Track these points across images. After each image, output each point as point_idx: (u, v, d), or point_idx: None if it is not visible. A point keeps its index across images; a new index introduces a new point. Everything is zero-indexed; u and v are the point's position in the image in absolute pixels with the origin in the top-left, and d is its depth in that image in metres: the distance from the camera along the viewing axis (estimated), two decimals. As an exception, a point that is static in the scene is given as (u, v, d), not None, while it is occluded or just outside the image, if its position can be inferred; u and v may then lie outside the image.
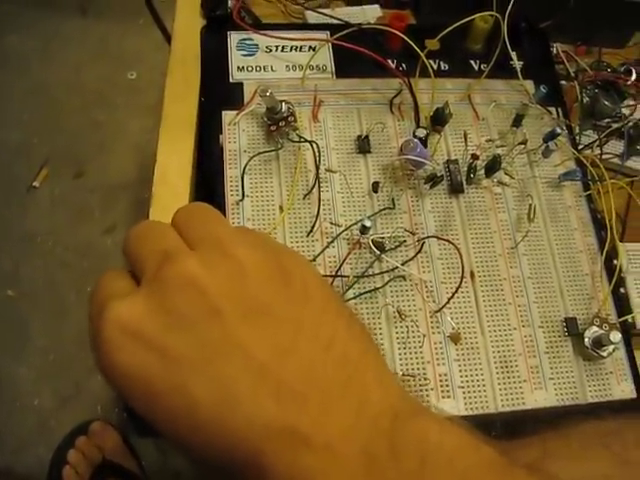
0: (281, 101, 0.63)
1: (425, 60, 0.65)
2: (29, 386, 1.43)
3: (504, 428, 0.58)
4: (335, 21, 0.75)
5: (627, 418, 0.48)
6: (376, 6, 0.80)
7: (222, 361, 0.27)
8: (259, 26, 0.72)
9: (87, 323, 0.31)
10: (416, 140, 0.61)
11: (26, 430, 1.39)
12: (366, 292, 0.59)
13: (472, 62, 0.73)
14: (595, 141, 0.76)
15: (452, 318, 0.60)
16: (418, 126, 0.65)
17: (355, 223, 0.61)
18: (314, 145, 0.62)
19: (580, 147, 0.74)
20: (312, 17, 0.77)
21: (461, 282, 0.59)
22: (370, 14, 0.79)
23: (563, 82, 0.78)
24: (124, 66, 1.81)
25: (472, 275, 0.62)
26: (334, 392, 0.28)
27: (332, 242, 0.61)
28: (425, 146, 0.63)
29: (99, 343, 0.29)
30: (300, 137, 0.63)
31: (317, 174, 0.62)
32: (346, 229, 0.61)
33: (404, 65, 0.71)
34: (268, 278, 0.30)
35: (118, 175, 1.65)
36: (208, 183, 0.63)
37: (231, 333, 0.28)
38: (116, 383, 0.29)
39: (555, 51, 0.80)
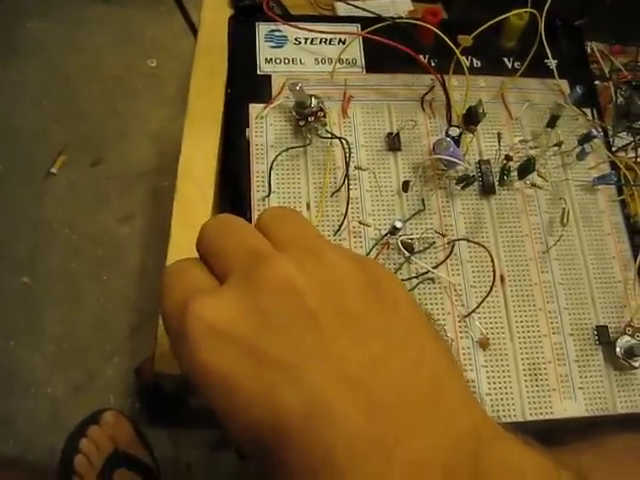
0: (310, 95, 0.61)
1: (460, 57, 0.63)
2: (43, 374, 1.43)
3: (532, 438, 0.56)
4: (366, 14, 0.73)
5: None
6: (407, -1, 0.78)
7: (316, 369, 0.26)
8: (288, 17, 0.71)
9: (155, 302, 0.30)
10: (449, 139, 0.59)
11: (39, 418, 1.39)
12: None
13: (505, 59, 0.71)
14: (630, 143, 0.74)
15: (481, 323, 0.59)
16: (451, 125, 0.63)
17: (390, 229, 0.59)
18: (344, 142, 0.60)
19: (614, 149, 0.72)
20: (342, 9, 0.76)
21: (492, 287, 0.57)
22: (401, 7, 0.77)
23: (597, 82, 0.76)
24: (145, 54, 1.80)
25: (502, 279, 0.61)
26: (423, 410, 0.27)
27: (361, 242, 0.59)
28: (458, 146, 0.61)
29: (183, 339, 0.28)
30: (330, 133, 0.61)
31: (347, 172, 0.60)
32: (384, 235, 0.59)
33: (435, 61, 0.69)
34: (361, 288, 0.29)
35: (136, 163, 1.63)
36: (234, 178, 0.62)
37: (327, 341, 0.27)
38: (199, 381, 0.28)
39: (589, 50, 0.78)
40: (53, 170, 1.62)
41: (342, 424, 0.25)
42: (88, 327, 1.47)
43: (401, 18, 0.68)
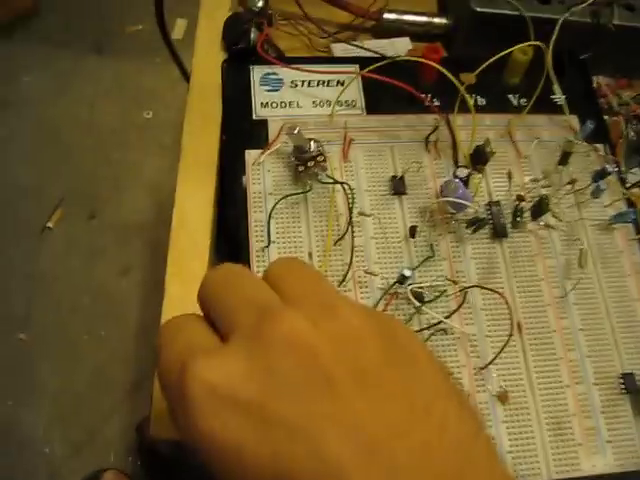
0: (309, 139, 0.58)
1: (465, 95, 0.60)
2: (40, 433, 1.39)
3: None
4: (364, 53, 0.71)
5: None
6: (406, 38, 0.76)
7: (332, 436, 0.23)
8: (284, 59, 0.68)
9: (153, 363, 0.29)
10: (457, 181, 0.56)
11: (38, 477, 1.35)
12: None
13: (511, 96, 0.69)
14: (644, 179, 0.70)
15: (498, 375, 0.55)
16: (458, 165, 0.61)
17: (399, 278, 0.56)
18: (346, 187, 0.57)
19: (627, 186, 0.69)
20: (339, 50, 0.73)
21: (510, 336, 0.54)
22: (400, 47, 0.75)
23: (606, 117, 0.73)
24: (140, 105, 1.79)
25: (519, 327, 0.57)
26: None
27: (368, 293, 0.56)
28: (466, 187, 0.58)
29: (182, 404, 0.25)
30: (331, 178, 0.58)
31: (350, 219, 0.57)
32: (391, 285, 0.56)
33: (438, 100, 0.66)
34: (377, 344, 0.26)
35: (133, 215, 1.62)
36: (230, 227, 0.59)
37: (343, 404, 0.24)
38: (201, 448, 0.25)
39: (596, 84, 0.76)
40: (49, 224, 1.60)
41: None
42: (87, 384, 1.44)
43: (400, 57, 0.66)
